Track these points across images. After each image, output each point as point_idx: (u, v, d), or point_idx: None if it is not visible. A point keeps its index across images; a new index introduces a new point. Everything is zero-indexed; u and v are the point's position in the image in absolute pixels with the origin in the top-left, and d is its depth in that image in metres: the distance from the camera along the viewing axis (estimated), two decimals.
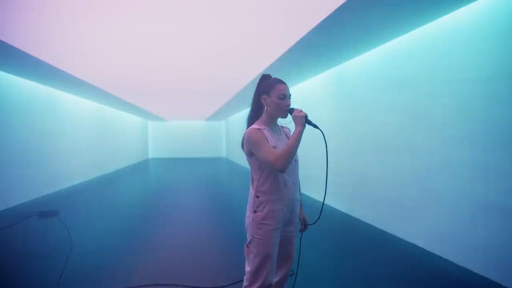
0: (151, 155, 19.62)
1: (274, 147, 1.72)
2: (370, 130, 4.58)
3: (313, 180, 6.12)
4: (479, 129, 2.92)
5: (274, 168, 1.62)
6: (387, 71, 4.18)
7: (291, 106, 1.77)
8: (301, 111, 1.70)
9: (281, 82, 1.77)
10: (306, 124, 1.69)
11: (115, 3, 3.25)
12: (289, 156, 1.61)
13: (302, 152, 2.16)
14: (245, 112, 1.80)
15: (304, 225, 2.00)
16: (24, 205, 5.98)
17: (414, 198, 3.70)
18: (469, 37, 3.01)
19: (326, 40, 4.06)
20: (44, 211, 5.32)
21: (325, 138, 1.80)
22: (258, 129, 1.74)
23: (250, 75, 6.13)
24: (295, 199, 1.82)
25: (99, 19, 3.66)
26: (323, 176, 6.23)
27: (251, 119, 1.87)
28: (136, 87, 7.88)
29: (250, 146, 1.72)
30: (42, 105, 7.12)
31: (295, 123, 1.69)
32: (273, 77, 1.85)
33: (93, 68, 5.90)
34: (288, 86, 1.81)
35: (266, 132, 1.76)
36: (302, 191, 1.95)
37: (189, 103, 11.34)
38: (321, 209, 1.88)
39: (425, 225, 3.53)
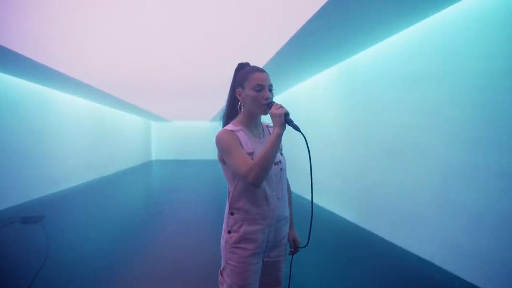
0: (154, 156, 19.50)
1: (251, 153, 1.44)
2: (379, 132, 4.25)
3: (315, 185, 5.81)
4: (505, 129, 2.57)
5: (246, 181, 1.34)
6: (397, 66, 3.85)
7: (273, 100, 1.47)
8: (281, 106, 1.39)
9: (258, 69, 1.49)
10: (287, 125, 1.38)
11: None
12: (263, 167, 1.31)
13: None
14: None
15: (295, 247, 1.68)
16: (10, 210, 5.81)
17: (429, 209, 3.36)
18: (493, 22, 2.68)
19: (327, 32, 3.76)
20: (28, 217, 5.14)
21: (308, 144, 1.46)
22: (231, 131, 1.46)
23: None
24: (280, 217, 1.52)
25: (93, 14, 3.54)
26: (325, 180, 5.97)
27: (227, 118, 1.59)
28: (135, 87, 7.77)
29: (220, 152, 1.46)
30: (34, 104, 6.98)
31: (273, 123, 1.40)
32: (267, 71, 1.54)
33: (89, 67, 5.81)
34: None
35: (242, 134, 1.48)
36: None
37: (193, 102, 11.18)
38: (310, 230, 1.55)
39: (442, 240, 3.19)
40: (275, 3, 3.32)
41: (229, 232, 1.48)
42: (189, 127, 19.80)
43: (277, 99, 9.01)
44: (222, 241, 1.52)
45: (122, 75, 6.41)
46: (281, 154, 1.59)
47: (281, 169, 1.53)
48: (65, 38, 4.29)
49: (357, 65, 4.79)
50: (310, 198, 6.36)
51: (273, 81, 1.53)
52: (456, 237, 3.02)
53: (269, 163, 1.32)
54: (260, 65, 5.24)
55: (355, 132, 4.89)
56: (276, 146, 1.34)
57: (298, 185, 6.17)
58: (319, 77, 6.14)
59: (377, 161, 4.33)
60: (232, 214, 1.48)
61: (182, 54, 5.05)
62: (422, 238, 3.46)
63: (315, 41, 4.11)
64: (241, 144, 1.44)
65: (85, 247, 3.92)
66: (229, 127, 1.50)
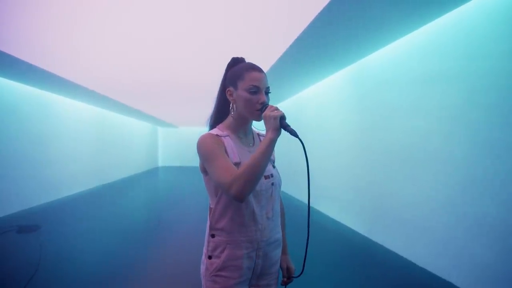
0: (161, 163, 19.45)
1: (237, 164, 1.25)
2: (392, 138, 4.02)
3: (319, 190, 5.60)
4: None
5: (229, 194, 1.14)
6: (412, 67, 3.64)
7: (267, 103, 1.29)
8: (276, 109, 1.20)
9: (255, 68, 1.30)
10: (282, 130, 1.19)
11: None
12: (250, 178, 1.11)
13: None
14: None
15: (288, 276, 1.46)
16: (7, 218, 5.72)
17: (449, 224, 3.12)
18: None
19: (335, 32, 3.57)
20: (24, 226, 5.03)
21: (306, 151, 1.23)
22: (216, 135, 1.28)
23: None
24: (271, 240, 1.33)
25: (96, 17, 3.52)
26: (334, 188, 5.74)
27: (214, 121, 1.41)
28: (141, 92, 7.75)
29: (201, 158, 1.27)
30: (32, 107, 6.92)
31: (265, 127, 1.21)
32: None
33: (94, 73, 5.81)
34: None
35: (229, 140, 1.30)
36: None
37: (200, 108, 11.09)
38: (305, 256, 1.31)
39: (464, 259, 2.94)
40: (280, 2, 3.18)
41: (209, 257, 1.28)
42: (196, 133, 19.70)
43: (284, 104, 8.84)
44: (202, 267, 1.32)
45: (127, 81, 6.40)
46: (274, 166, 1.40)
47: (272, 183, 1.34)
48: (68, 42, 4.28)
49: (368, 67, 4.58)
50: (319, 210, 6.09)
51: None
52: (479, 257, 2.77)
53: (258, 173, 1.12)
54: (266, 68, 5.18)
55: (366, 138, 4.66)
56: (267, 153, 1.14)
57: (304, 192, 5.94)
58: (328, 80, 5.94)
59: (390, 169, 4.10)
60: (213, 236, 1.29)
61: (189, 59, 5.00)
62: (438, 254, 3.21)
63: (321, 41, 3.92)
64: (226, 152, 1.25)
65: (78, 260, 3.78)
66: (215, 131, 1.32)
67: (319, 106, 6.46)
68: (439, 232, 3.23)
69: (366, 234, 4.64)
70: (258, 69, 1.30)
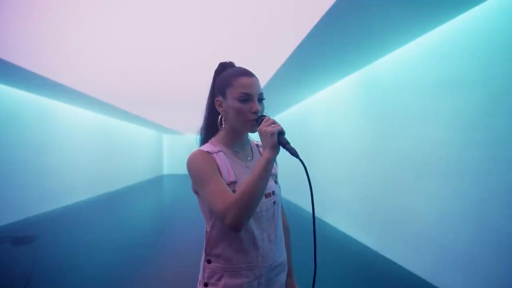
0: (165, 171, 19.40)
1: (233, 183, 1.13)
2: (407, 147, 3.85)
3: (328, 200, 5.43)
4: None
5: (223, 224, 1.04)
6: (429, 70, 3.47)
7: (264, 114, 1.16)
8: (274, 122, 1.07)
9: (244, 72, 1.18)
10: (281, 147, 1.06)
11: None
12: (247, 205, 1.00)
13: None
14: None
15: None
16: (4, 228, 5.65)
17: (466, 240, 2.92)
18: None
19: (341, 33, 3.44)
20: (20, 237, 4.94)
21: (308, 173, 1.06)
22: (208, 152, 1.15)
23: (264, 79, 5.61)
24: (274, 264, 1.20)
25: (99, 21, 3.51)
26: (343, 200, 5.55)
27: (205, 135, 1.28)
28: (145, 99, 7.75)
29: (192, 180, 1.15)
30: (32, 115, 6.89)
31: (261, 144, 1.08)
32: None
33: (94, 79, 5.82)
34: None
35: (222, 156, 1.17)
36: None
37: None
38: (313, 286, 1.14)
39: (482, 278, 2.74)
40: (285, 4, 3.08)
41: (205, 285, 1.16)
42: None
43: (290, 111, 8.69)
44: None
45: (132, 88, 6.41)
46: (276, 182, 1.28)
47: (274, 202, 1.21)
48: (72, 49, 4.29)
49: (379, 72, 4.43)
50: (326, 222, 5.91)
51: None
52: (495, 274, 2.58)
53: (255, 199, 1.01)
54: (271, 73, 5.07)
55: (376, 147, 4.50)
56: (265, 175, 1.02)
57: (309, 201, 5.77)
58: (336, 86, 5.79)
59: (401, 180, 3.92)
60: (209, 262, 1.16)
61: (194, 66, 4.98)
62: (454, 272, 3.01)
63: (328, 44, 3.80)
64: (219, 171, 1.13)
65: (73, 275, 3.66)
66: (206, 147, 1.19)
67: (327, 113, 6.31)
68: (455, 249, 3.04)
69: (376, 249, 4.44)
70: (249, 74, 1.17)
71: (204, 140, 1.27)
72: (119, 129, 12.00)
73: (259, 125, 1.09)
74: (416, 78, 3.68)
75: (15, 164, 6.20)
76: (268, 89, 5.96)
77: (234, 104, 1.14)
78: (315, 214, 5.31)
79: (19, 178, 6.31)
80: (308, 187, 1.07)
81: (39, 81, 5.48)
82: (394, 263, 3.94)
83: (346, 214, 5.41)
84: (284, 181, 1.37)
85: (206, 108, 1.27)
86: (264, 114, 1.16)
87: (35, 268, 3.69)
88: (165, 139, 19.50)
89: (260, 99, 1.16)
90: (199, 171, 1.10)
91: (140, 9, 3.22)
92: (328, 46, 3.85)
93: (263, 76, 5.37)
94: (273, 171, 1.27)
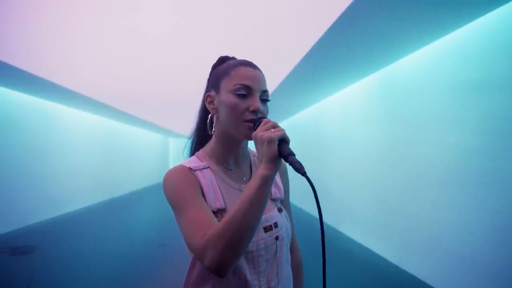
0: None
1: (221, 211, 0.90)
2: (428, 154, 3.67)
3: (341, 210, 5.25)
4: None
5: (202, 265, 0.79)
6: (454, 72, 3.30)
7: (264, 115, 0.92)
8: (275, 126, 0.80)
9: (245, 63, 0.94)
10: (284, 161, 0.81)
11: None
12: (230, 243, 0.74)
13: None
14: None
15: None
16: (3, 237, 5.58)
17: (497, 256, 2.74)
18: None
19: (360, 33, 3.30)
20: (18, 247, 4.85)
21: (317, 195, 0.83)
22: (189, 169, 0.92)
23: (277, 80, 5.49)
24: None
25: (102, 24, 3.51)
26: (359, 209, 5.35)
27: (196, 144, 1.07)
28: (151, 102, 7.74)
29: (169, 204, 0.92)
30: (33, 118, 6.84)
31: (257, 155, 0.81)
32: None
33: (99, 82, 5.78)
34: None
35: (209, 175, 0.94)
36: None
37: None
38: None
39: None
40: (301, 2, 2.98)
41: None
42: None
43: (301, 115, 8.50)
44: None
45: (138, 91, 6.38)
46: (280, 210, 1.01)
47: (277, 237, 0.94)
48: (74, 51, 4.27)
49: (399, 73, 4.27)
50: (342, 232, 5.73)
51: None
52: None
53: (244, 235, 0.75)
54: (285, 74, 4.95)
55: (396, 153, 4.32)
56: (259, 201, 0.76)
57: (322, 209, 5.61)
58: (353, 88, 5.62)
59: (424, 189, 3.74)
60: None
61: (200, 72, 4.84)
62: None
63: (345, 43, 3.65)
64: (203, 194, 0.90)
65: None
66: (190, 161, 0.97)
67: (343, 116, 6.14)
68: (484, 265, 2.85)
69: (396, 262, 4.25)
70: (252, 65, 0.94)
71: (195, 148, 1.06)
72: (123, 133, 11.96)
73: (256, 127, 0.84)
74: (439, 81, 3.51)
75: (15, 169, 6.14)
76: (281, 91, 5.83)
77: (227, 99, 0.89)
78: (329, 223, 5.12)
79: (18, 182, 6.24)
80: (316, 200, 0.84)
81: (40, 83, 5.44)
82: (416, 278, 3.75)
83: (363, 223, 5.23)
84: (291, 181, 1.12)
85: (198, 111, 1.07)
86: (265, 117, 0.91)
87: (33, 281, 3.61)
88: (171, 143, 19.47)
89: (264, 99, 0.92)
90: (175, 193, 0.87)
91: (148, 12, 3.17)
92: (344, 45, 3.70)
93: (276, 77, 5.28)
94: (277, 194, 1.03)
